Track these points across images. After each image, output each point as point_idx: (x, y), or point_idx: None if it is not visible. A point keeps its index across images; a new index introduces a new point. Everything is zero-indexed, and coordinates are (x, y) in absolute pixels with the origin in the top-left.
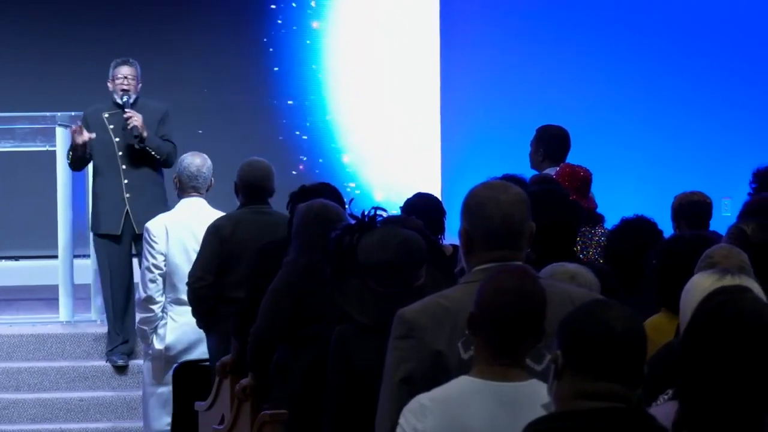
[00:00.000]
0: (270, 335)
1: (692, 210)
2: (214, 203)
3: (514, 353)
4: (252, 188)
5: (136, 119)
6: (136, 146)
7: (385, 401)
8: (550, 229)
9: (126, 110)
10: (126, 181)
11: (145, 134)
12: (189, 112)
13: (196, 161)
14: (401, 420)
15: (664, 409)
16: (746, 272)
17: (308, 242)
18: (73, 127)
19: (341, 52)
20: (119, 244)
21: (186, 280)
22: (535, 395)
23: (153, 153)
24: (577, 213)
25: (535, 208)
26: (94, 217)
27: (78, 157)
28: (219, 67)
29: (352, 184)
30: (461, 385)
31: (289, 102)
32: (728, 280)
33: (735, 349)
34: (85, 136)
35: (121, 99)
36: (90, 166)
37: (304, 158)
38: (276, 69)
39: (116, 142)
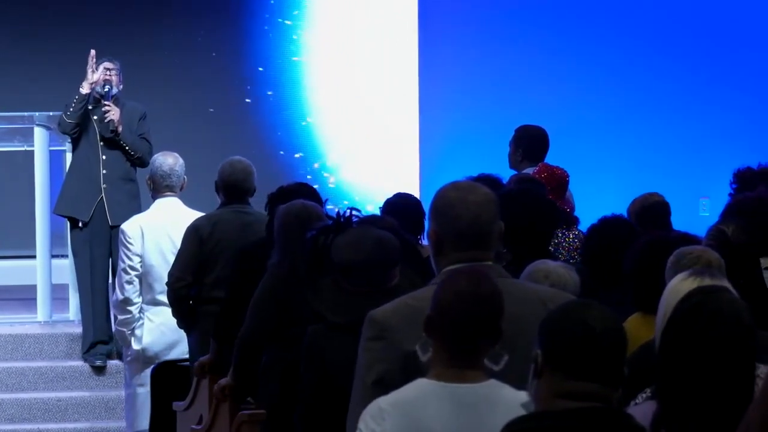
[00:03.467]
0: (255, 340)
1: (656, 211)
2: (194, 202)
3: (470, 355)
4: (232, 188)
5: (113, 113)
6: (110, 136)
7: (357, 403)
8: (526, 228)
9: (105, 103)
10: (105, 172)
11: (120, 129)
12: (167, 112)
13: (168, 161)
14: (361, 424)
15: (642, 409)
16: (721, 272)
17: (290, 244)
18: (92, 60)
19: (320, 52)
20: (99, 244)
21: (162, 280)
22: (492, 395)
23: (127, 148)
24: (553, 213)
25: (511, 208)
26: (63, 199)
27: (80, 110)
28: (197, 67)
29: (332, 181)
30: (419, 387)
31: (269, 94)
32: (707, 281)
33: (713, 349)
34: (98, 74)
35: (103, 89)
36: (66, 156)
37: (281, 153)
38: (255, 69)
39: (98, 130)
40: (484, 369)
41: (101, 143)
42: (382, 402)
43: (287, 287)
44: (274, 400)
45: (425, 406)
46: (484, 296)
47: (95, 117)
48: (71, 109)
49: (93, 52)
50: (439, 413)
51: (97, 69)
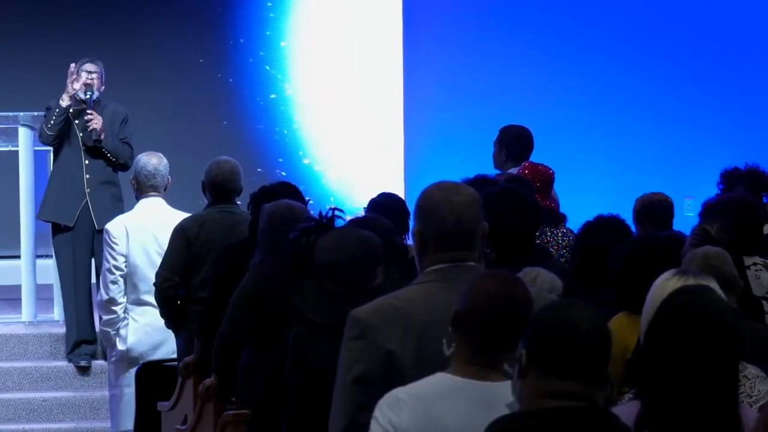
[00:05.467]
0: (233, 340)
1: (657, 210)
2: (178, 202)
3: (492, 356)
4: (219, 188)
5: (96, 122)
6: (93, 144)
7: (338, 401)
8: (509, 228)
9: (88, 111)
10: (88, 176)
11: (102, 136)
12: (152, 112)
13: (152, 161)
14: (377, 413)
15: (626, 408)
16: (726, 272)
17: (274, 244)
18: (72, 70)
19: (305, 52)
20: (81, 244)
21: (147, 280)
22: (510, 396)
23: (109, 155)
24: (537, 213)
25: (494, 208)
26: (48, 205)
27: (60, 123)
28: (182, 67)
29: (316, 180)
30: (439, 381)
31: (258, 100)
32: (691, 281)
33: (696, 348)
34: (77, 84)
35: (85, 94)
36: (50, 157)
37: (267, 154)
38: (240, 68)
39: (80, 136)
40: (503, 372)
41: (83, 148)
42: (400, 392)
43: (271, 287)
44: (260, 401)
45: (443, 400)
46: (517, 300)
47: (77, 121)
48: (52, 122)
49: (72, 66)
50: (455, 408)
51: (78, 72)
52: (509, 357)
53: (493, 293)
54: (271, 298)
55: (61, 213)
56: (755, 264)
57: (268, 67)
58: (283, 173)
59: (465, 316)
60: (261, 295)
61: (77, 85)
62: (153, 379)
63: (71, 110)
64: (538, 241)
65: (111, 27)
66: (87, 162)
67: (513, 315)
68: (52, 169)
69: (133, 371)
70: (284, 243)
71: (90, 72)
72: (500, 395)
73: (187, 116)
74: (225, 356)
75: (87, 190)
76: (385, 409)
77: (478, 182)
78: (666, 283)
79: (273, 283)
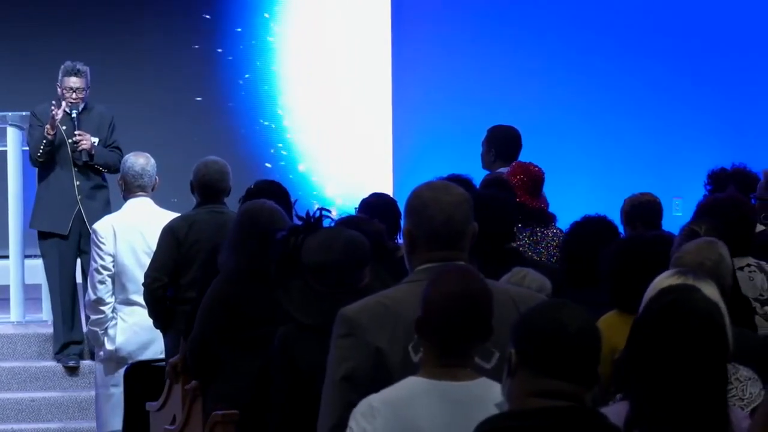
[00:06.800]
0: (204, 343)
1: (646, 210)
2: (176, 202)
3: (462, 354)
4: (207, 188)
5: (85, 143)
6: (83, 163)
7: (327, 399)
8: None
9: (76, 132)
10: (78, 183)
11: (93, 152)
12: (151, 112)
13: (139, 161)
14: (351, 423)
15: (616, 408)
16: (719, 268)
17: (239, 244)
18: (54, 109)
19: (293, 52)
20: (68, 245)
21: (135, 280)
22: (484, 394)
23: (101, 168)
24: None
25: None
26: (40, 214)
27: (47, 151)
28: (172, 66)
29: (304, 180)
30: (410, 385)
31: (255, 100)
32: (690, 281)
33: (684, 348)
34: (60, 112)
35: (71, 111)
36: None
37: (256, 154)
38: (228, 69)
39: (69, 143)
40: (475, 367)
41: (72, 154)
42: (373, 400)
43: (235, 290)
44: (247, 400)
45: (416, 405)
46: (474, 294)
47: (64, 127)
48: (41, 150)
49: (54, 103)
50: (429, 411)
51: (61, 92)
52: (480, 351)
53: (450, 292)
54: (236, 296)
55: (55, 222)
56: (749, 265)
57: (257, 88)
58: (289, 176)
59: (426, 319)
60: (225, 299)
61: (61, 114)
62: (141, 379)
63: (59, 114)
64: (529, 241)
65: (102, 27)
66: (76, 169)
67: (473, 310)
68: (39, 176)
69: (121, 371)
70: (248, 243)
71: (74, 89)
72: (472, 394)
73: (185, 116)
74: (199, 360)
75: (78, 197)
76: (360, 418)
77: (453, 183)
78: (664, 282)
79: (238, 284)
